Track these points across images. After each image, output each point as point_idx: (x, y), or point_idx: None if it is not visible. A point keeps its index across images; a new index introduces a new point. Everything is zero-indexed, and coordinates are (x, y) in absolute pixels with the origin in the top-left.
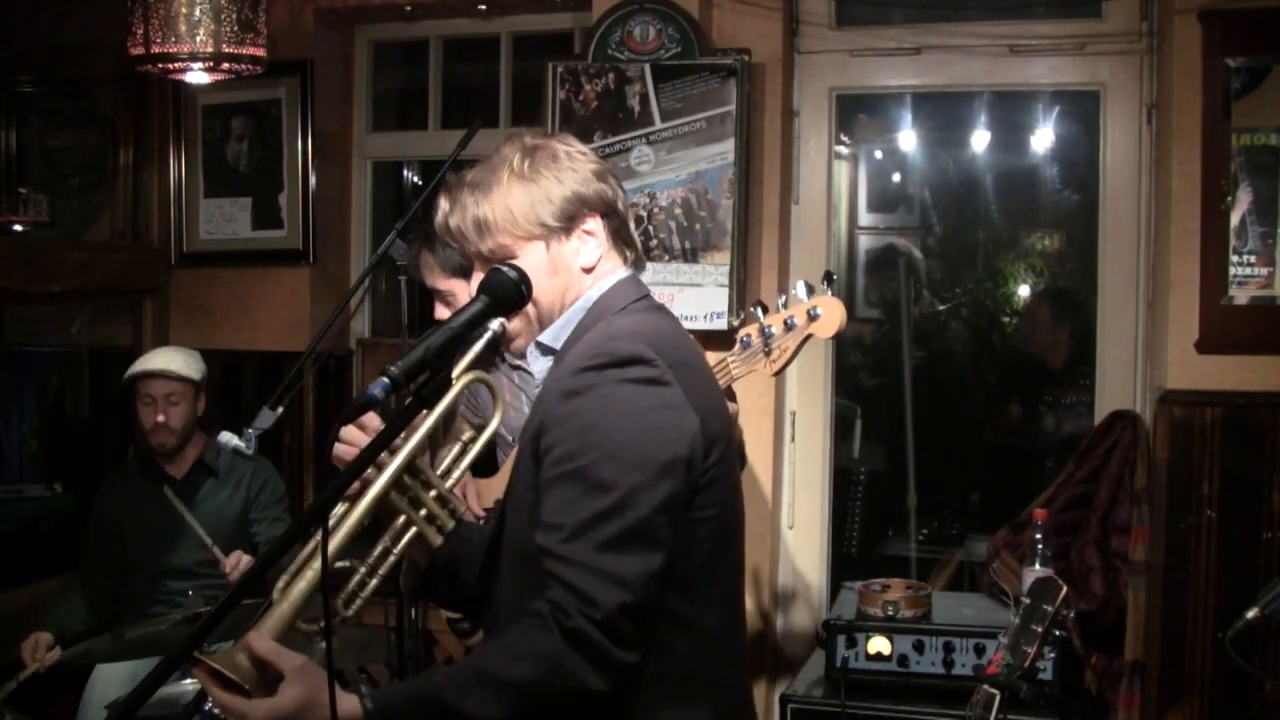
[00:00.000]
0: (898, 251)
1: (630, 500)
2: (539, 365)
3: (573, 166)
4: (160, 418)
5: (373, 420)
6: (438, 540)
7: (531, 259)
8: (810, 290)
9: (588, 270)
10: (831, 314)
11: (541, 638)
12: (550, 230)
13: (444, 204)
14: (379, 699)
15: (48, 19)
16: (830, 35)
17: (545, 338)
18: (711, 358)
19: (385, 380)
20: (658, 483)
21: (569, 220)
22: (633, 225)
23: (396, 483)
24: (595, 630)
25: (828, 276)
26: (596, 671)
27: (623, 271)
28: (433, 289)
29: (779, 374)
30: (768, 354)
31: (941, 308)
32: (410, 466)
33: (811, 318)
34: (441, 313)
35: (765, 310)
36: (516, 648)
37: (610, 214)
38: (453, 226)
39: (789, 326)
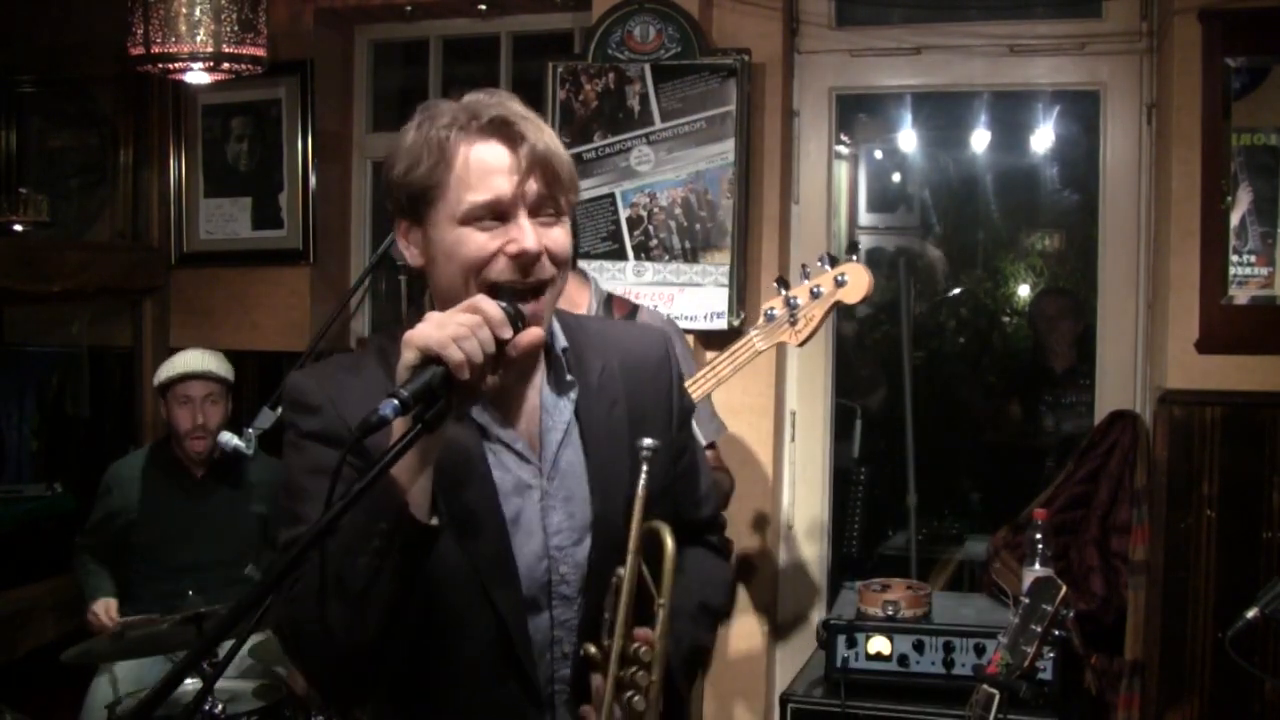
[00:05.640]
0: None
1: None
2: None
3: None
4: (200, 419)
5: None
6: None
7: (568, 223)
8: (833, 261)
9: None
10: (858, 279)
11: (724, 567)
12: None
13: (531, 130)
14: (682, 674)
15: (48, 19)
16: (830, 35)
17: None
18: (729, 338)
19: (395, 402)
20: None
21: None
22: None
23: None
24: None
25: (853, 246)
26: None
27: None
28: None
29: (804, 344)
30: (793, 324)
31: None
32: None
33: (839, 284)
34: None
35: (787, 285)
36: (716, 577)
37: None
38: (552, 150)
39: (815, 295)
